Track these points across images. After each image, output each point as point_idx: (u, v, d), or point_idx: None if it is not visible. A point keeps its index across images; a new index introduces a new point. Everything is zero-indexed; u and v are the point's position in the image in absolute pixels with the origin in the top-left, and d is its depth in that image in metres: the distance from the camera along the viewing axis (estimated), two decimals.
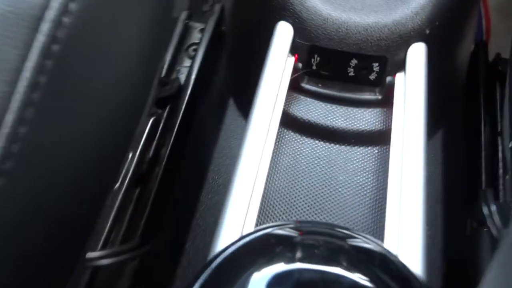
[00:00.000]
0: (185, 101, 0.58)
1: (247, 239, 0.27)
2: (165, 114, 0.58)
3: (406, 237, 0.31)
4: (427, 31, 0.43)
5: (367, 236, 0.27)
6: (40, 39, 0.23)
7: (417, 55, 0.42)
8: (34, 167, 0.25)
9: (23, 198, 0.25)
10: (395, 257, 0.27)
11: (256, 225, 0.33)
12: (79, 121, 0.28)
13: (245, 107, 0.46)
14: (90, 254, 0.42)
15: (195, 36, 0.68)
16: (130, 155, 0.53)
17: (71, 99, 0.26)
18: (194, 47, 0.67)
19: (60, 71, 0.24)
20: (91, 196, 0.36)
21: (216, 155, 0.51)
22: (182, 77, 0.62)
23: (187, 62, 0.65)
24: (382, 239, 0.33)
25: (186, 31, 0.68)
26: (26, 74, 0.22)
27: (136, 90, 0.38)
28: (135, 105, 0.39)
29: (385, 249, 0.27)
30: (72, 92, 0.26)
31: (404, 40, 0.43)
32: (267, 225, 0.29)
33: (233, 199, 0.34)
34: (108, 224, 0.47)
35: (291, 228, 0.28)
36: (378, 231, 0.38)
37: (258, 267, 0.25)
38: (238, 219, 0.32)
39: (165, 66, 0.64)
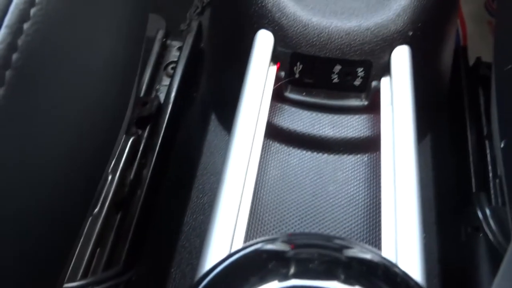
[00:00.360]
0: (166, 120, 0.56)
1: (236, 256, 0.25)
2: (145, 134, 0.57)
3: (404, 244, 0.29)
4: (410, 33, 0.42)
5: (364, 245, 0.26)
6: None
7: (401, 58, 0.41)
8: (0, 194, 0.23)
9: None
10: (396, 266, 0.25)
11: (245, 241, 0.31)
12: (45, 141, 0.25)
13: (228, 121, 0.45)
14: (69, 285, 0.40)
15: (173, 55, 0.67)
16: (110, 177, 0.50)
17: (34, 115, 0.24)
18: (172, 65, 0.66)
19: (21, 83, 0.22)
20: (67, 222, 0.33)
21: (200, 173, 0.49)
22: (162, 96, 0.61)
23: (166, 81, 0.64)
24: (379, 248, 0.31)
25: (164, 49, 0.67)
26: None
27: (111, 110, 0.36)
28: (109, 125, 0.37)
29: (384, 258, 0.25)
30: (35, 107, 0.24)
31: (387, 43, 0.41)
32: (257, 240, 0.27)
33: (219, 216, 0.32)
34: (88, 251, 0.45)
35: (282, 241, 0.26)
36: (374, 240, 0.36)
37: (250, 287, 0.23)
38: (226, 236, 0.30)
39: (144, 86, 0.62)
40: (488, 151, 0.51)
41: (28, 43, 0.22)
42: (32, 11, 0.22)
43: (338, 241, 0.26)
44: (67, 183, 0.30)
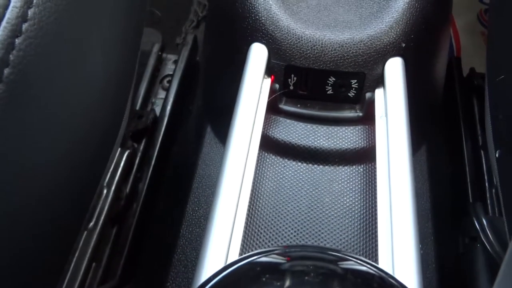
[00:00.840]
0: (162, 133, 0.56)
1: (231, 268, 0.24)
2: (141, 147, 0.57)
3: (400, 255, 0.29)
4: (403, 45, 0.42)
5: (360, 257, 0.25)
6: None
7: (394, 69, 0.42)
8: None
9: None
10: (392, 277, 0.25)
11: (240, 254, 0.31)
12: (38, 154, 0.25)
13: (223, 134, 0.45)
14: None
15: (169, 68, 0.67)
16: (105, 191, 0.50)
17: (27, 129, 0.24)
18: (168, 78, 0.66)
19: (12, 98, 0.22)
20: (61, 236, 0.33)
21: (195, 186, 0.49)
22: (158, 109, 0.61)
23: (161, 94, 0.64)
24: (375, 259, 0.31)
25: (160, 63, 0.67)
26: None
27: (105, 123, 0.36)
28: (103, 138, 0.37)
29: (380, 269, 0.25)
30: (27, 121, 0.23)
31: (380, 55, 0.42)
32: (252, 252, 0.26)
33: (214, 229, 0.32)
34: (84, 265, 0.44)
35: (277, 254, 0.26)
36: (370, 251, 0.36)
37: None
38: (221, 249, 0.30)
39: (140, 99, 0.62)
40: (483, 160, 0.51)
41: (20, 58, 0.22)
42: (24, 26, 0.22)
43: (333, 253, 0.26)
44: (61, 197, 0.30)
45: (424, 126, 0.50)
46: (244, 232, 0.33)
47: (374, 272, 0.24)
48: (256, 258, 0.25)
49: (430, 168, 0.50)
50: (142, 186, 0.54)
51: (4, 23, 0.22)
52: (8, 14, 0.22)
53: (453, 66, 0.57)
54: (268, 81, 0.43)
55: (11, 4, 0.22)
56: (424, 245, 0.44)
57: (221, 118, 0.48)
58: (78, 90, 0.29)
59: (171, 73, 0.66)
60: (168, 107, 0.59)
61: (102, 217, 0.48)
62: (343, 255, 0.25)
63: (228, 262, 0.30)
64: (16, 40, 0.22)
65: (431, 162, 0.50)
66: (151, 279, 0.45)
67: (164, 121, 0.57)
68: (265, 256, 0.26)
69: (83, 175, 0.33)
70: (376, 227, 0.33)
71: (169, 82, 0.64)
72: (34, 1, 0.23)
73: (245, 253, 0.28)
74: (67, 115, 0.28)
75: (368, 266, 0.25)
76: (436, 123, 0.53)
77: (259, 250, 0.27)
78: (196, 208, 0.47)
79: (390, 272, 0.29)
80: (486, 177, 0.49)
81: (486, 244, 0.44)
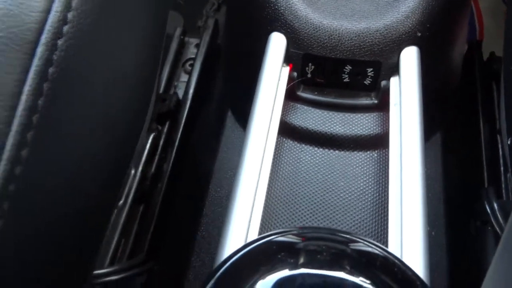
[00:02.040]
0: (185, 116, 0.58)
1: (250, 247, 0.27)
2: (165, 130, 0.59)
3: (408, 239, 0.31)
4: (419, 34, 0.43)
5: (369, 240, 0.28)
6: (36, 63, 0.23)
7: (409, 58, 0.43)
8: (36, 189, 0.26)
9: (28, 218, 0.26)
10: (398, 259, 0.27)
11: (259, 233, 0.33)
12: (80, 141, 0.28)
13: (243, 118, 0.47)
14: (99, 271, 0.43)
15: (191, 51, 0.69)
16: (133, 171, 0.53)
17: (70, 119, 0.26)
18: (190, 62, 0.68)
19: (57, 93, 0.24)
20: (96, 214, 0.36)
21: (217, 168, 0.51)
22: (180, 92, 0.63)
23: (184, 77, 0.66)
24: (385, 241, 0.33)
25: (182, 47, 0.69)
26: (24, 98, 0.23)
27: (136, 107, 0.39)
28: (135, 122, 0.40)
29: (387, 251, 0.27)
30: (70, 112, 0.26)
31: (396, 44, 0.43)
32: (270, 232, 0.29)
33: (235, 209, 0.34)
34: (115, 241, 0.48)
35: (293, 234, 0.28)
36: (381, 235, 0.38)
37: (262, 275, 0.25)
38: (241, 228, 0.33)
39: (163, 82, 0.64)
40: (500, 145, 0.51)
41: (62, 58, 0.25)
42: (65, 28, 0.25)
43: (344, 235, 0.28)
44: (98, 177, 0.33)
45: (439, 112, 0.51)
46: (263, 212, 0.35)
47: (379, 253, 0.26)
48: (273, 238, 0.28)
49: (445, 153, 0.51)
50: (167, 166, 0.56)
51: (48, 26, 0.24)
52: (50, 18, 0.24)
53: (473, 50, 0.57)
54: (286, 69, 0.45)
55: (53, 9, 0.25)
56: (435, 227, 0.46)
57: (241, 103, 0.50)
58: (113, 81, 0.31)
59: (193, 56, 0.67)
60: (191, 91, 0.61)
61: (130, 196, 0.51)
62: (352, 237, 0.28)
63: (248, 240, 0.33)
64: (58, 41, 0.24)
65: (446, 147, 0.51)
66: (177, 255, 0.48)
67: (187, 104, 0.59)
68: (282, 236, 0.28)
69: (117, 159, 0.36)
70: (387, 211, 0.35)
71: (191, 65, 0.66)
72: (73, 5, 0.25)
73: (263, 233, 0.30)
74: (104, 104, 0.30)
75: (374, 247, 0.27)
76: (452, 108, 0.54)
77: (276, 231, 0.29)
78: (218, 189, 0.50)
79: (398, 253, 0.32)
80: (501, 162, 0.50)
81: (497, 228, 0.45)
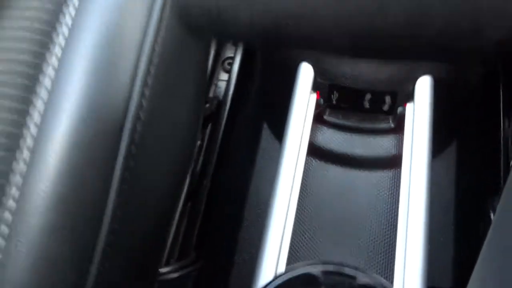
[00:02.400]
0: (225, 115, 0.64)
1: (278, 282, 0.35)
2: (207, 131, 0.65)
3: (410, 272, 0.38)
4: (434, 65, 0.48)
5: (374, 275, 0.35)
6: (124, 139, 0.32)
7: (424, 87, 0.48)
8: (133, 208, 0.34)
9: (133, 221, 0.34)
10: None
11: (288, 257, 0.41)
12: (162, 160, 0.38)
13: (278, 132, 0.53)
14: (163, 269, 0.51)
15: (229, 50, 0.73)
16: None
17: (155, 158, 0.35)
18: (229, 61, 0.72)
19: (143, 143, 0.33)
20: (166, 212, 0.44)
21: (255, 176, 0.58)
22: (219, 91, 0.68)
23: (223, 76, 0.71)
24: (393, 269, 0.39)
25: (220, 46, 0.73)
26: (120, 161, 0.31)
27: (190, 122, 0.46)
28: (189, 135, 0.47)
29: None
30: (155, 152, 0.35)
31: (411, 75, 0.48)
32: (296, 265, 0.37)
33: (269, 235, 0.42)
34: (170, 239, 0.56)
35: (316, 268, 0.36)
36: (388, 269, 0.45)
37: None
38: (272, 257, 0.40)
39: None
40: None
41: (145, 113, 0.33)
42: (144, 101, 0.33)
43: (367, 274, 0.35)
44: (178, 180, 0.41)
45: (455, 124, 0.56)
46: (292, 234, 0.43)
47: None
48: (298, 273, 0.36)
49: (458, 158, 0.55)
50: (210, 168, 0.63)
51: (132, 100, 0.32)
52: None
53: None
54: (314, 96, 0.51)
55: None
56: (447, 233, 0.52)
57: (275, 122, 0.57)
58: (180, 113, 0.40)
59: (231, 55, 0.72)
60: (231, 91, 0.66)
61: (183, 196, 0.59)
62: (361, 273, 0.35)
63: (278, 269, 0.40)
64: (137, 124, 0.32)
65: (459, 152, 0.56)
66: (220, 254, 0.57)
67: (227, 105, 0.63)
68: (306, 269, 0.36)
69: (185, 160, 0.44)
70: (395, 241, 0.41)
71: (230, 64, 0.70)
72: (149, 83, 0.33)
73: (292, 256, 0.38)
74: (174, 131, 0.39)
75: (377, 280, 0.34)
76: (467, 119, 0.57)
77: (302, 264, 0.37)
78: (257, 194, 0.57)
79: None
80: None
81: None
